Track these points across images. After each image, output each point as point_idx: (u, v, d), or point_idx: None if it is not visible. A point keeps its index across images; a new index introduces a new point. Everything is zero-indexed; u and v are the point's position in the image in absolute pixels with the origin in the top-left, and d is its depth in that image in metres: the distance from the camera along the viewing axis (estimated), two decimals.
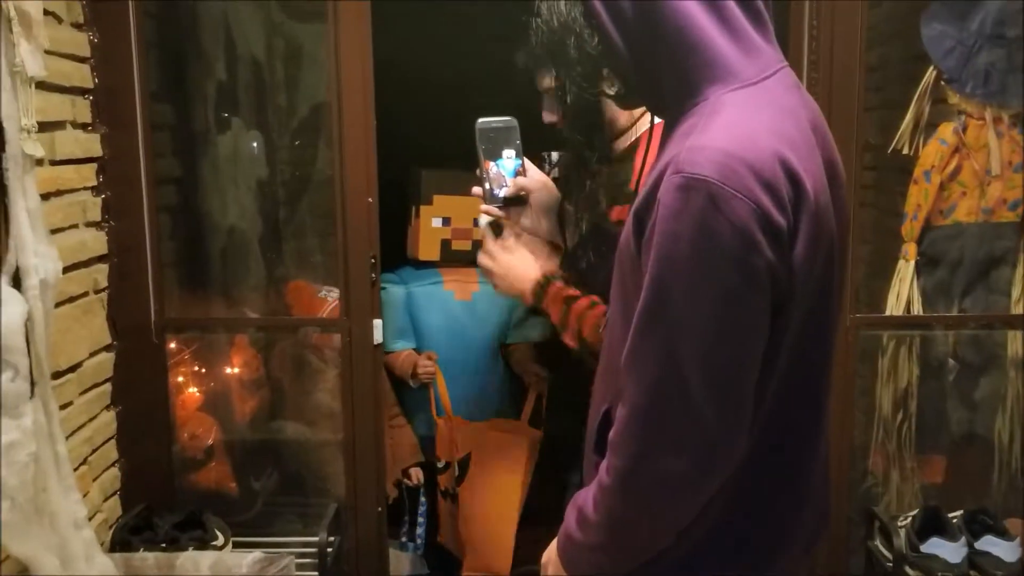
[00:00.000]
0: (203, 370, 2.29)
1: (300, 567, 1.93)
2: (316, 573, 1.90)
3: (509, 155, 1.52)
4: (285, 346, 2.27)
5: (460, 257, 2.68)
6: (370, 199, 1.96)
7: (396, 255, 2.74)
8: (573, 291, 1.50)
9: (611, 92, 1.24)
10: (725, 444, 1.05)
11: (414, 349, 2.69)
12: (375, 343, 2.01)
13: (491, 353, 2.73)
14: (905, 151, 2.12)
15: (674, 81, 1.10)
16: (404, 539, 2.72)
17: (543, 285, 1.52)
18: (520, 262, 1.54)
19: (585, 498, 1.16)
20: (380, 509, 2.08)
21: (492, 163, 1.51)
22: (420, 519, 2.69)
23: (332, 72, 1.95)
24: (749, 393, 1.05)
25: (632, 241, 1.10)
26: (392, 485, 2.59)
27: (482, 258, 1.57)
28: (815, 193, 1.05)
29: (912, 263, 2.16)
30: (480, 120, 1.51)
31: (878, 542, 2.03)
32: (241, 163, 2.20)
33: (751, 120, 1.05)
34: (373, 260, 1.99)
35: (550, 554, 1.26)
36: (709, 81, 1.08)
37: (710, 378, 1.01)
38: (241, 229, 2.25)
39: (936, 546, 1.90)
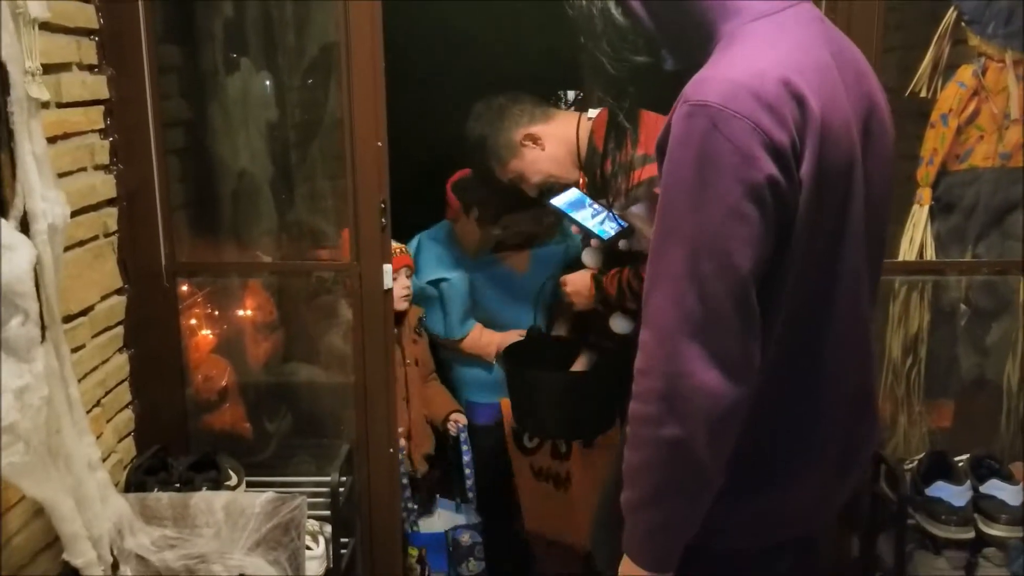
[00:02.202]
0: (216, 313, 2.30)
1: (313, 507, 1.96)
2: (328, 512, 1.93)
3: (584, 215, 1.95)
4: (298, 289, 2.28)
5: (509, 247, 2.68)
6: (379, 143, 1.94)
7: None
8: (615, 270, 2.02)
9: (639, 60, 1.26)
10: (748, 352, 1.09)
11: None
12: (384, 288, 2.01)
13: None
14: (923, 94, 2.08)
15: (695, 33, 1.16)
16: (457, 500, 2.70)
17: (598, 278, 2.09)
18: (577, 274, 2.17)
19: (626, 453, 1.17)
20: (391, 450, 2.10)
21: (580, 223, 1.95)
22: (467, 470, 2.64)
23: (340, 11, 1.91)
24: (755, 303, 1.09)
25: (658, 174, 1.15)
26: (422, 458, 2.59)
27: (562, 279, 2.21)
28: (824, 115, 1.08)
29: (926, 208, 2.13)
30: (551, 201, 1.99)
31: (884, 485, 2.05)
32: (251, 105, 2.18)
33: (758, 49, 1.11)
34: (383, 205, 1.98)
35: (624, 564, 1.25)
36: (723, 20, 1.15)
37: (726, 288, 1.06)
38: (251, 172, 2.24)
39: (941, 490, 1.92)
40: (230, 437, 2.25)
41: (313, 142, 2.20)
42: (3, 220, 1.34)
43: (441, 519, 2.68)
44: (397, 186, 2.07)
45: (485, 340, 2.66)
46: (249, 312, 2.32)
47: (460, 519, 2.68)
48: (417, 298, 2.64)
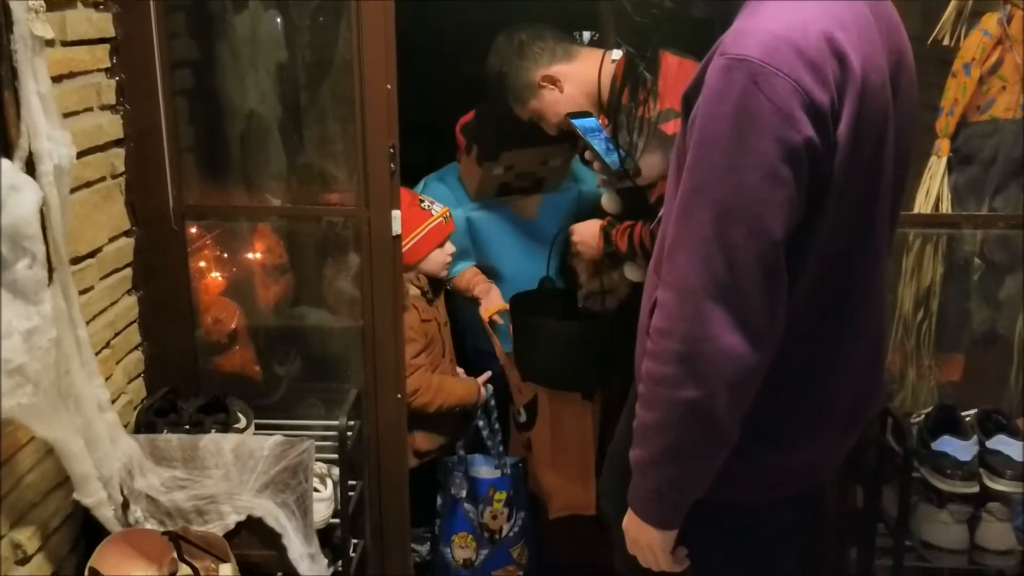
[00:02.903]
0: (225, 255, 2.29)
1: (321, 450, 1.98)
2: (336, 456, 1.95)
3: (599, 143, 1.99)
4: (308, 233, 2.27)
5: (515, 191, 2.61)
6: (389, 86, 1.91)
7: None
8: (628, 223, 2.06)
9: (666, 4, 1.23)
10: (773, 317, 1.08)
11: (476, 267, 2.64)
12: (393, 234, 1.99)
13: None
14: (946, 42, 2.03)
15: None
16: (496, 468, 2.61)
17: (607, 229, 2.13)
18: (585, 224, 2.21)
19: (638, 410, 1.16)
20: (399, 396, 2.11)
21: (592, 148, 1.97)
22: (497, 426, 2.59)
23: None
24: (784, 268, 1.07)
25: (682, 126, 1.13)
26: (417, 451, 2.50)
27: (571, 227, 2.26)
28: (864, 73, 1.05)
29: (944, 159, 2.10)
30: (569, 115, 2.05)
31: (890, 438, 2.05)
32: (260, 45, 2.14)
33: (799, 2, 1.05)
34: (392, 150, 1.95)
35: (629, 518, 1.26)
36: None
37: (756, 253, 1.03)
38: (260, 114, 2.21)
39: (947, 444, 1.92)
40: (240, 379, 2.26)
41: (324, 83, 2.16)
42: (8, 161, 1.33)
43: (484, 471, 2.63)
44: (411, 127, 2.03)
45: (474, 284, 2.61)
46: (258, 255, 2.31)
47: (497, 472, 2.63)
48: None
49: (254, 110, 2.19)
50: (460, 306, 2.71)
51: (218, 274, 2.28)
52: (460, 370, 2.60)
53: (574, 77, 2.14)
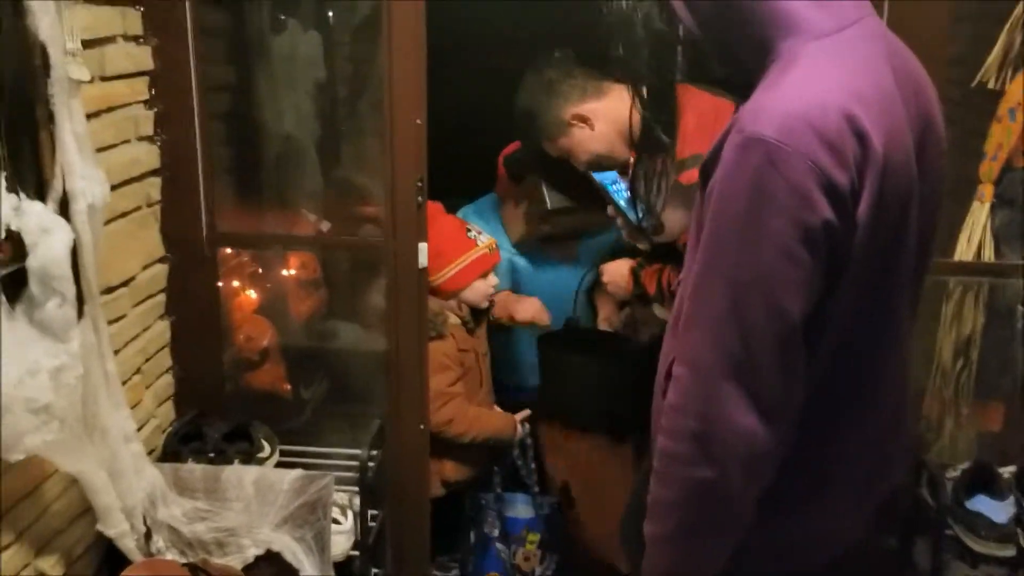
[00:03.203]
0: (260, 271, 2.31)
1: (344, 480, 1.99)
2: (356, 488, 1.95)
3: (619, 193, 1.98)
4: (341, 253, 2.28)
5: (557, 238, 2.60)
6: (418, 120, 1.91)
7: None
8: (657, 266, 2.06)
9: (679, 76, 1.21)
10: (789, 395, 1.05)
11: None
12: (420, 266, 1.99)
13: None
14: (991, 85, 1.98)
15: (748, 46, 1.09)
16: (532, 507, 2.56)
17: (636, 271, 2.12)
18: (616, 265, 2.20)
19: (652, 486, 1.14)
20: (422, 427, 2.11)
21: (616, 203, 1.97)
22: (532, 465, 2.55)
23: None
24: (802, 347, 1.04)
25: (700, 194, 1.11)
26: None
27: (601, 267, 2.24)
28: (886, 151, 1.02)
29: (987, 205, 2.04)
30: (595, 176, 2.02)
31: (925, 491, 2.00)
32: (297, 65, 2.15)
33: (820, 76, 1.03)
34: (420, 183, 1.95)
35: None
36: (781, 36, 1.06)
37: (772, 332, 1.01)
38: (296, 135, 2.22)
39: (982, 503, 1.87)
40: (267, 400, 2.27)
41: (361, 99, 2.17)
42: (40, 203, 1.35)
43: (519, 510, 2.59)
44: (439, 152, 2.03)
45: (511, 300, 2.58)
46: (293, 271, 2.33)
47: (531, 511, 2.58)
48: None
49: (290, 131, 2.21)
50: (497, 340, 2.68)
51: (252, 291, 2.30)
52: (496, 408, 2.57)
53: (605, 114, 2.11)
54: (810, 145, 0.97)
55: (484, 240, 2.42)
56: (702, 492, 1.07)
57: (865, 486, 1.25)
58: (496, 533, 2.51)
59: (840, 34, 1.06)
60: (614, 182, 1.99)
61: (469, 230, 2.43)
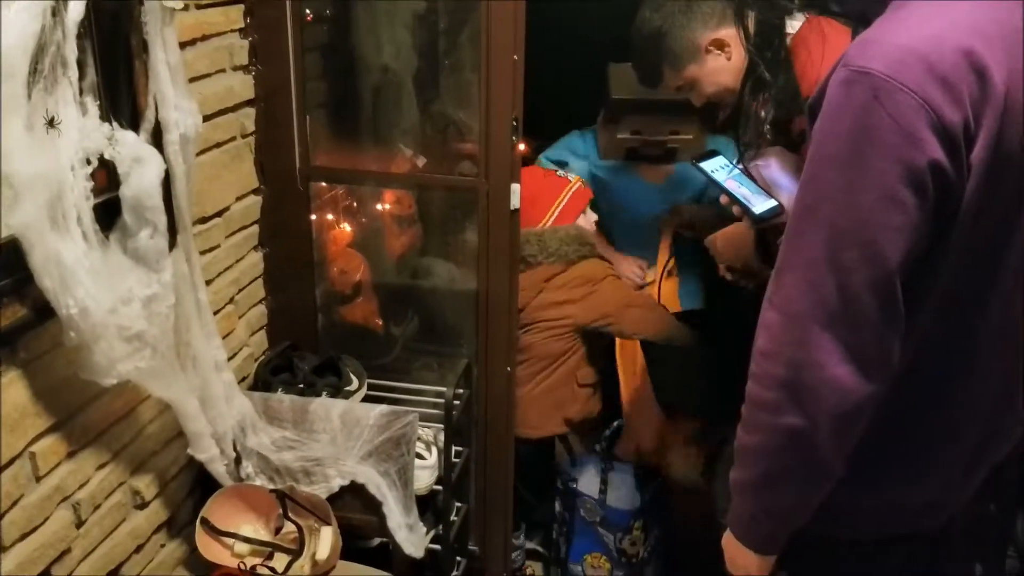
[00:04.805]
0: (354, 205, 2.31)
1: (429, 417, 2.00)
2: (442, 426, 1.96)
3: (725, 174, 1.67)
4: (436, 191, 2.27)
5: (644, 158, 2.58)
6: (516, 56, 1.85)
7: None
8: None
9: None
10: (885, 350, 1.00)
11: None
12: (512, 208, 1.95)
13: None
14: None
15: None
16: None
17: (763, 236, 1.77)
18: (733, 233, 1.85)
19: (739, 432, 1.11)
20: (509, 368, 2.10)
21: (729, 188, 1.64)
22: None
23: None
24: (900, 297, 0.99)
25: (807, 137, 1.05)
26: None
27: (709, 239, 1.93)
28: (1009, 91, 0.94)
29: None
30: (697, 162, 1.69)
31: None
32: None
33: (939, 11, 0.96)
34: (515, 123, 1.90)
35: (727, 537, 1.22)
36: None
37: (869, 279, 0.96)
38: (394, 69, 2.19)
39: None
40: (358, 335, 2.30)
41: (461, 32, 2.11)
42: (133, 133, 1.36)
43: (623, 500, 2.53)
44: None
45: (611, 253, 2.58)
46: (387, 206, 2.33)
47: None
48: None
49: (388, 64, 2.18)
50: None
51: (346, 225, 2.31)
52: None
53: (742, 44, 1.92)
54: (920, 80, 0.90)
55: (572, 177, 2.45)
56: (789, 441, 1.04)
57: (973, 458, 1.18)
58: (598, 519, 2.49)
59: None
60: (724, 168, 1.71)
61: (557, 170, 2.46)
